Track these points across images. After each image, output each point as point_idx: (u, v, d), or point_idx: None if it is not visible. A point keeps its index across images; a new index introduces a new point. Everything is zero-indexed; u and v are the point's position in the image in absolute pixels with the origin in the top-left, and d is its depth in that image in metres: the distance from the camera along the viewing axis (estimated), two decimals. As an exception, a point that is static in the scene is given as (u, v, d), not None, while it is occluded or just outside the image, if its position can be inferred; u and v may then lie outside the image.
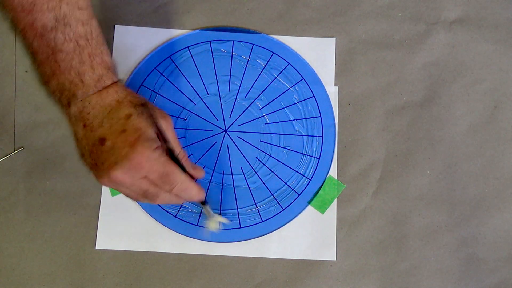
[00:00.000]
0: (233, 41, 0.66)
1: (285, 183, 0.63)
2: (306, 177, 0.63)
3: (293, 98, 0.65)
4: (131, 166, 0.46)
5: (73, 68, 0.48)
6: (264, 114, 0.64)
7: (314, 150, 0.64)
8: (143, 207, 0.62)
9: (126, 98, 0.49)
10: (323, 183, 0.63)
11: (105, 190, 0.62)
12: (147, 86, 0.64)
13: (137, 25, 0.65)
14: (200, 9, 0.66)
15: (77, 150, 0.50)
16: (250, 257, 0.61)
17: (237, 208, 0.62)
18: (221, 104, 0.64)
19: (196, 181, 0.62)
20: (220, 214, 0.62)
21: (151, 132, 0.47)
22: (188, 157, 0.55)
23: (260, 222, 0.62)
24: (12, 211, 0.61)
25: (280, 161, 0.63)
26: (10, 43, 0.64)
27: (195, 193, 0.52)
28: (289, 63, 0.65)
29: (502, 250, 0.62)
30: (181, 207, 0.62)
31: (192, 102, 0.64)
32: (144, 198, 0.49)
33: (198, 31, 0.66)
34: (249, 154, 0.64)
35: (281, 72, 0.65)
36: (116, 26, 0.65)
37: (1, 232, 0.61)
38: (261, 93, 0.65)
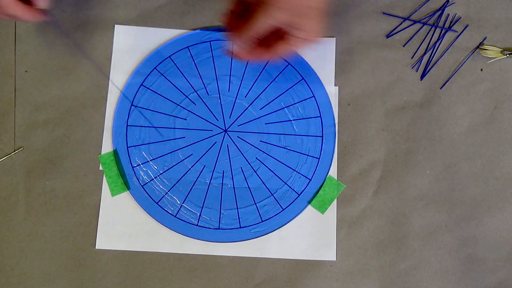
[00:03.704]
0: (233, 41, 0.66)
1: (285, 183, 0.63)
2: (306, 177, 0.63)
3: (293, 98, 0.65)
4: None
5: None
6: (264, 114, 0.64)
7: (314, 150, 0.64)
8: (143, 207, 0.62)
9: None
10: (323, 183, 0.63)
11: (105, 190, 0.62)
12: (147, 86, 0.64)
13: (137, 25, 0.65)
14: (200, 9, 0.66)
15: None
16: (250, 257, 0.61)
17: (237, 208, 0.62)
18: (221, 104, 0.64)
19: (195, 183, 0.62)
20: (221, 214, 0.62)
21: None
22: None
23: (260, 222, 0.62)
24: (12, 211, 0.61)
25: (280, 161, 0.63)
26: (10, 43, 0.65)
27: (27, 18, 0.53)
28: (289, 63, 0.65)
29: (502, 250, 0.62)
30: (181, 207, 0.62)
31: (192, 102, 0.64)
32: None
33: (198, 31, 0.66)
34: (249, 154, 0.64)
35: (281, 72, 0.65)
36: (116, 26, 0.65)
37: (1, 232, 0.61)
38: (261, 93, 0.65)
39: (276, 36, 0.54)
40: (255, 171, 0.63)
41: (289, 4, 0.51)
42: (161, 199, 0.62)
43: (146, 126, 0.64)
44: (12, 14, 0.52)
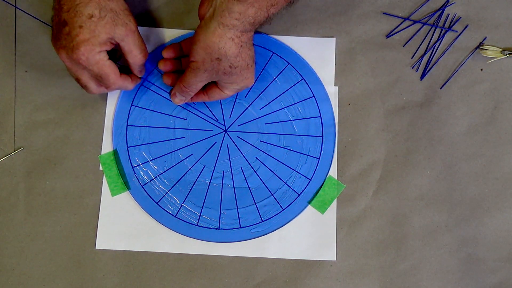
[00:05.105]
0: (233, 41, 0.65)
1: (285, 183, 0.63)
2: (306, 177, 0.63)
3: (293, 98, 0.65)
4: (72, 58, 0.55)
5: None
6: (264, 114, 0.64)
7: (314, 150, 0.64)
8: (143, 207, 0.62)
9: None
10: (323, 183, 0.63)
11: (105, 190, 0.62)
12: (147, 86, 0.64)
13: (137, 25, 0.65)
14: (200, 9, 0.66)
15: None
16: (250, 257, 0.61)
17: (237, 208, 0.62)
18: (221, 104, 0.64)
19: (195, 183, 0.62)
20: (221, 214, 0.62)
21: (102, 37, 0.54)
22: (143, 61, 0.59)
23: (260, 222, 0.62)
24: (12, 211, 0.61)
25: (280, 161, 0.63)
26: (10, 43, 0.65)
27: (129, 88, 0.61)
28: (289, 63, 0.65)
29: (502, 250, 0.62)
30: (181, 207, 0.62)
31: (192, 102, 0.64)
32: (77, 82, 0.58)
33: (198, 31, 0.66)
34: (249, 154, 0.64)
35: (281, 72, 0.65)
36: (116, 26, 0.65)
37: (1, 232, 0.61)
38: (261, 93, 0.65)
39: (214, 85, 0.60)
40: (255, 171, 0.63)
41: (215, 68, 0.55)
42: (161, 199, 0.62)
43: (146, 126, 0.64)
44: (119, 87, 0.59)
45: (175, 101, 0.62)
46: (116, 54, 0.60)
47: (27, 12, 0.64)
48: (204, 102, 0.64)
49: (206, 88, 0.61)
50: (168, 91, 0.64)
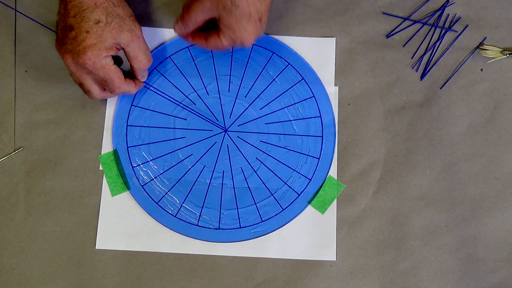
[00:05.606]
0: (233, 41, 0.66)
1: (285, 183, 0.63)
2: (306, 177, 0.63)
3: (293, 98, 0.65)
4: (78, 62, 0.55)
5: None
6: (264, 114, 0.64)
7: (314, 150, 0.64)
8: (143, 207, 0.62)
9: (104, 4, 0.55)
10: (323, 183, 0.63)
11: (105, 190, 0.62)
12: (147, 86, 0.64)
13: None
14: (200, 9, 0.66)
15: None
16: (250, 257, 0.61)
17: (237, 208, 0.62)
18: (221, 104, 0.64)
19: (195, 183, 0.62)
20: (221, 214, 0.62)
21: (108, 42, 0.55)
22: (147, 66, 0.60)
23: (260, 222, 0.62)
24: (12, 211, 0.61)
25: (280, 161, 0.63)
26: (10, 43, 0.65)
27: (132, 93, 0.61)
28: (289, 63, 0.65)
29: (502, 250, 0.62)
30: (181, 207, 0.62)
31: (192, 102, 0.64)
32: (80, 87, 0.59)
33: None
34: (249, 154, 0.64)
35: (281, 72, 0.65)
36: (116, 26, 0.65)
37: (1, 232, 0.61)
38: (261, 93, 0.65)
39: (215, 31, 0.59)
40: (255, 171, 0.63)
41: None
42: (161, 199, 0.62)
43: (146, 126, 0.64)
44: (123, 92, 0.59)
45: (175, 28, 0.62)
46: (119, 60, 0.60)
47: (27, 15, 0.64)
48: (204, 102, 0.64)
49: (207, 35, 0.61)
50: (166, 97, 0.64)
